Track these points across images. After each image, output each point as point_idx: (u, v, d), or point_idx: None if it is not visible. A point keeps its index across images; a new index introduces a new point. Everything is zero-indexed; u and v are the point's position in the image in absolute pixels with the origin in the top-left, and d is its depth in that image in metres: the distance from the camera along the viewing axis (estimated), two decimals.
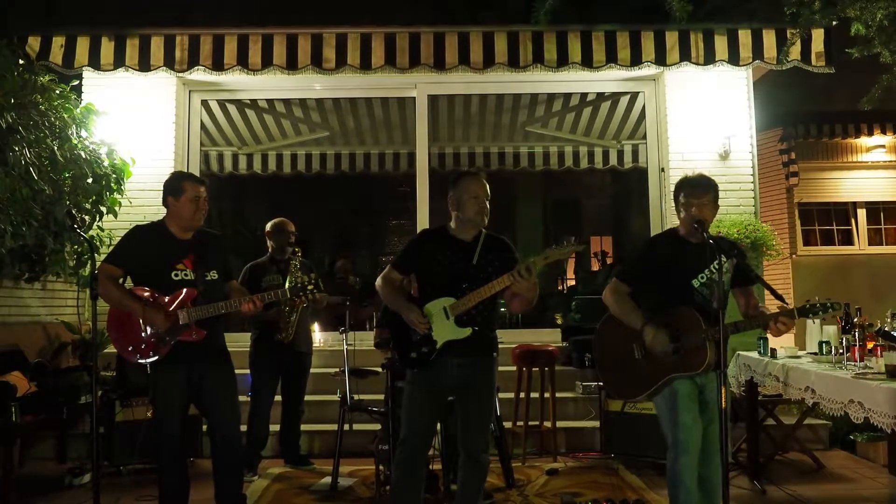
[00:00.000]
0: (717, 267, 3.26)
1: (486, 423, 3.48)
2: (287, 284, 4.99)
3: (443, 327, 3.32)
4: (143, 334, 3.57)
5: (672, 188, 6.68)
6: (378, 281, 3.49)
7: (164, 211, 6.57)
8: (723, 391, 3.13)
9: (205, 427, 3.85)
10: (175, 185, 3.75)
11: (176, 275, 3.63)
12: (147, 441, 3.72)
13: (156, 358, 3.59)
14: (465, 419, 3.42)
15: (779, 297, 3.30)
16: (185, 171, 3.95)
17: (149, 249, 3.67)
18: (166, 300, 3.59)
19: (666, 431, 3.44)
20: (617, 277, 3.57)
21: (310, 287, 3.79)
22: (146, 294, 3.60)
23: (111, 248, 3.90)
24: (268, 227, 5.33)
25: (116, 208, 6.20)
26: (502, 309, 3.98)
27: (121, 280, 3.69)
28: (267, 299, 3.82)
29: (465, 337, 3.32)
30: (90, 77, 6.69)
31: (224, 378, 3.79)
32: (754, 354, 4.89)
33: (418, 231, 5.03)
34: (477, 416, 3.42)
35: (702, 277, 3.37)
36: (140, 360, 3.61)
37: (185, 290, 3.61)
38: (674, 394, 3.36)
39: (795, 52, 6.49)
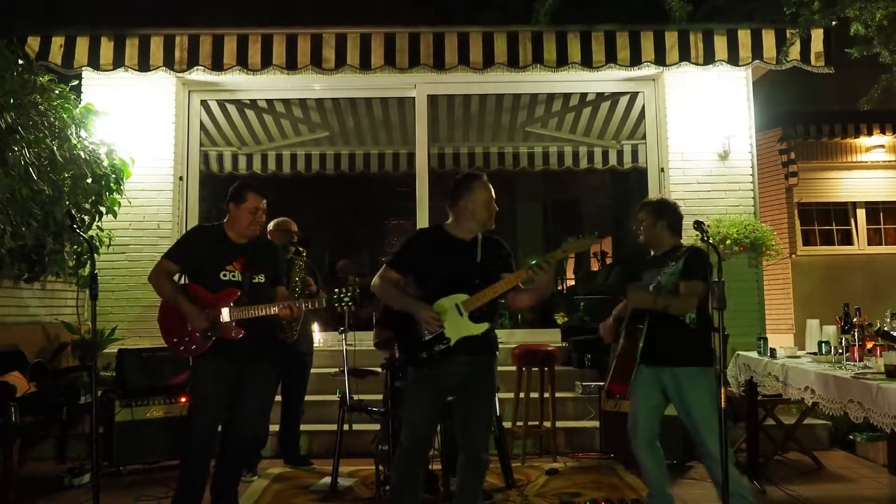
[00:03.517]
0: (666, 273, 3.64)
1: (487, 423, 3.48)
2: (295, 288, 5.01)
3: (456, 324, 3.30)
4: (188, 328, 3.76)
5: (672, 188, 6.79)
6: (376, 281, 3.45)
7: (162, 210, 6.72)
8: (722, 391, 3.15)
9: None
10: (238, 193, 3.92)
11: (224, 275, 3.82)
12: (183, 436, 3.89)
13: (197, 352, 3.76)
14: (466, 419, 3.41)
15: None
16: (250, 181, 4.14)
17: (204, 249, 3.87)
18: (211, 298, 3.76)
19: None
20: None
21: (346, 298, 3.80)
22: (197, 293, 3.79)
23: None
24: (270, 226, 5.31)
25: (116, 208, 6.21)
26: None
27: (176, 276, 3.91)
28: (305, 308, 3.90)
29: (478, 334, 3.32)
30: (89, 77, 6.69)
31: (260, 380, 3.92)
32: (754, 354, 4.89)
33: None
34: (479, 416, 3.41)
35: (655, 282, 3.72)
36: (182, 352, 3.80)
37: (228, 289, 3.78)
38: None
39: (795, 52, 6.49)
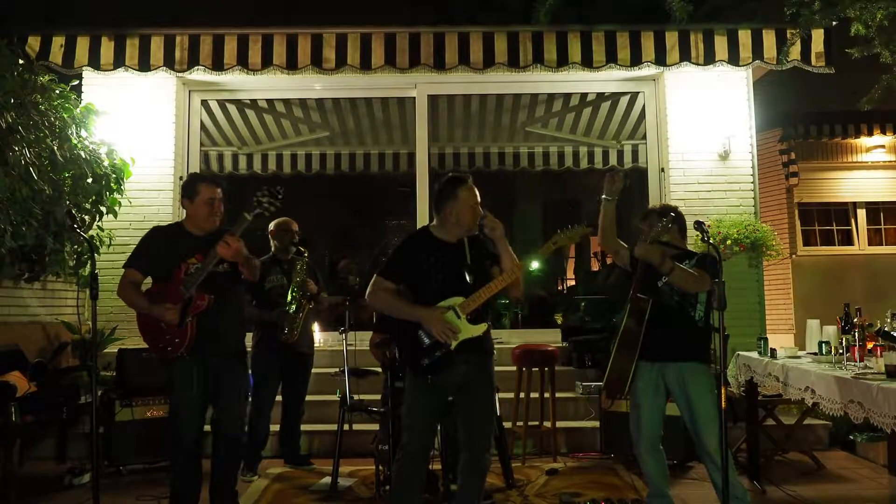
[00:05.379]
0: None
1: (489, 424, 3.48)
2: (291, 286, 5.01)
3: (456, 327, 3.29)
4: (163, 326, 3.64)
5: (672, 188, 6.79)
6: (371, 293, 3.38)
7: (163, 210, 6.73)
8: (723, 391, 3.16)
9: (207, 427, 3.89)
10: (190, 188, 3.79)
11: (187, 267, 3.69)
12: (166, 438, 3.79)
13: (187, 345, 3.63)
14: (468, 420, 3.40)
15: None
16: (200, 172, 3.99)
17: (163, 247, 3.74)
18: (168, 286, 3.65)
19: None
20: None
21: (263, 199, 3.71)
22: (157, 289, 3.69)
23: (129, 251, 3.92)
24: (271, 226, 5.31)
25: (116, 208, 6.22)
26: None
27: (143, 282, 3.76)
28: (237, 232, 3.68)
29: (478, 335, 3.31)
30: (90, 77, 6.69)
31: (234, 378, 3.85)
32: (754, 354, 4.89)
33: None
34: (481, 417, 3.41)
35: (664, 278, 3.68)
36: (170, 353, 3.67)
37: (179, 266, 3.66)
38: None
39: (795, 52, 6.49)
